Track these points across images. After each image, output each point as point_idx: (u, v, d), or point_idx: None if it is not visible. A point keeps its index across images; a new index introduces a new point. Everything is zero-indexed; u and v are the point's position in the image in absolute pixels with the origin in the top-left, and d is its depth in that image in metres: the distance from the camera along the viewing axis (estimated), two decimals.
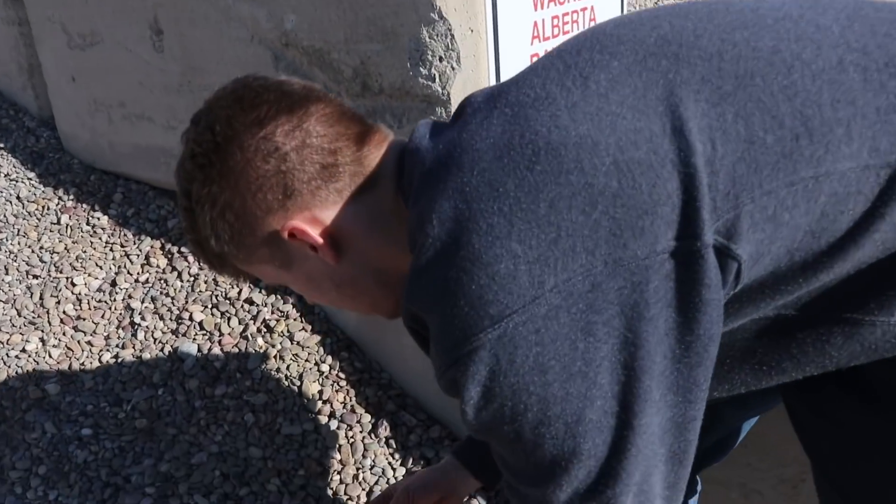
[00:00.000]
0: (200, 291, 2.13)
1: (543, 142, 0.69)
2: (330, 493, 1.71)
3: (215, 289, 2.13)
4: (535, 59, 1.71)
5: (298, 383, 1.91)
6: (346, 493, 1.71)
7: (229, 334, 2.04)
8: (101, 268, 2.25)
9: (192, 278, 2.17)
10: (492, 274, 0.67)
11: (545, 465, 0.72)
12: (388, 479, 1.75)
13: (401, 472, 1.76)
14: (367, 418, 1.85)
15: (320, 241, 0.87)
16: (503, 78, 1.63)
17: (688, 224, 0.67)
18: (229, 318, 2.08)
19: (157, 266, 2.26)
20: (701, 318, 0.68)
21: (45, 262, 2.27)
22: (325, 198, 0.86)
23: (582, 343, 0.67)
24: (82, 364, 2.01)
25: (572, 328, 0.66)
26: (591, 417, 0.68)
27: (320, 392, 1.89)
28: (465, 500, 1.44)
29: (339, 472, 1.75)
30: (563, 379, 0.67)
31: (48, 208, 2.47)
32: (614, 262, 0.66)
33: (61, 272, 2.23)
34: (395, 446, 1.81)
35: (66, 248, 2.31)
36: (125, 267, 2.25)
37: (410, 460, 1.78)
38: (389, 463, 1.78)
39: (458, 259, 0.68)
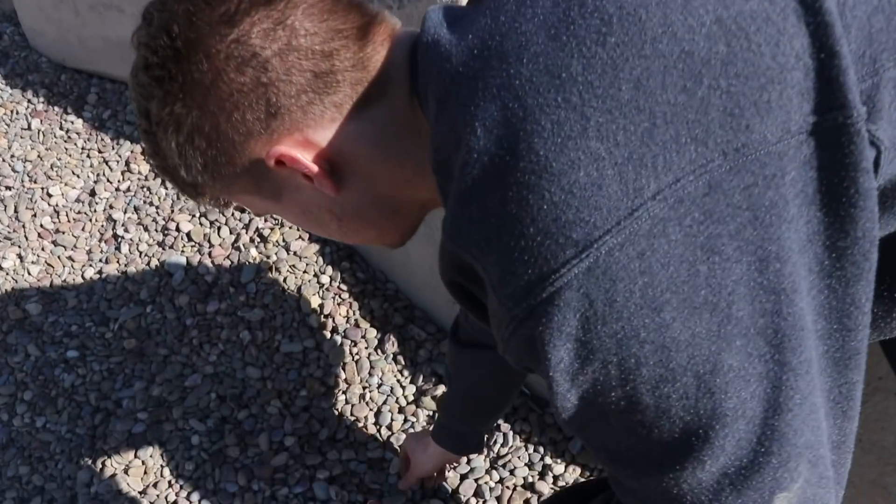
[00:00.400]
0: (186, 200, 1.96)
1: (614, 6, 0.51)
2: (335, 414, 1.59)
3: None
4: None
5: (297, 297, 1.77)
6: (352, 414, 1.59)
7: (220, 245, 1.88)
8: (78, 176, 2.07)
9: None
10: (568, 186, 0.49)
11: (675, 438, 0.53)
12: (397, 399, 1.62)
13: (410, 389, 1.64)
14: (372, 333, 1.71)
15: (315, 168, 0.66)
16: None
17: (829, 92, 0.49)
18: (219, 228, 1.91)
19: (139, 173, 2.08)
20: (857, 214, 0.50)
21: (17, 172, 2.09)
22: (319, 114, 0.66)
23: (704, 265, 0.49)
24: (64, 281, 1.86)
25: (689, 246, 0.49)
26: (731, 364, 0.51)
27: (321, 306, 1.75)
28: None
29: (344, 392, 1.63)
30: (686, 316, 0.50)
31: (17, 112, 2.26)
32: (736, 152, 0.49)
33: (35, 182, 2.05)
34: (403, 362, 1.67)
35: (39, 156, 2.13)
36: (104, 175, 2.07)
37: (421, 377, 1.65)
38: (398, 381, 1.65)
39: (517, 174, 0.51)
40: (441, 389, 1.62)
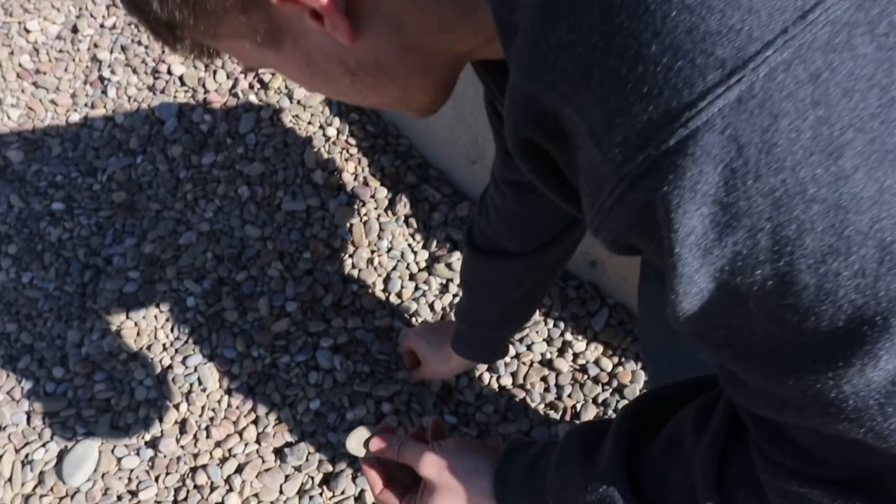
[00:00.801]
0: (163, 46, 1.76)
1: None
2: (340, 278, 1.47)
3: None
4: None
5: (301, 150, 1.61)
6: (359, 280, 1.47)
7: (216, 91, 1.71)
8: (58, 10, 1.87)
9: None
10: None
11: (839, 328, 0.39)
12: (408, 265, 1.50)
13: (423, 255, 1.51)
14: (382, 192, 1.57)
15: (325, 1, 0.47)
16: None
17: None
18: (215, 72, 1.73)
19: None
20: None
21: None
22: None
23: None
24: (47, 127, 1.70)
25: (882, 64, 0.33)
26: None
27: (327, 161, 1.60)
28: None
29: (350, 256, 1.50)
30: (873, 164, 0.34)
31: None
32: None
33: (11, 16, 1.85)
34: (415, 225, 1.54)
35: None
36: (87, 8, 1.87)
37: (434, 242, 1.51)
38: (409, 245, 1.52)
39: None
40: (456, 256, 1.49)
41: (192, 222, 1.54)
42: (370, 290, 1.47)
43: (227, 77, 1.72)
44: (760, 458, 0.49)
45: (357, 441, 0.85)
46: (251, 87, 1.70)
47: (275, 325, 1.42)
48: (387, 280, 1.48)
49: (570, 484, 0.62)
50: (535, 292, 1.08)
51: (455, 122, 1.49)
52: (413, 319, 1.45)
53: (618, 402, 1.37)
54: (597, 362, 1.41)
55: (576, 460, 0.62)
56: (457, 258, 1.49)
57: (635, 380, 1.39)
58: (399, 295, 1.47)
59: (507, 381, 1.39)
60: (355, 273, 1.48)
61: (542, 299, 1.15)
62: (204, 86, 1.71)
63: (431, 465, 0.76)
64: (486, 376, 1.39)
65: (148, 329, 1.43)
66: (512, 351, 1.41)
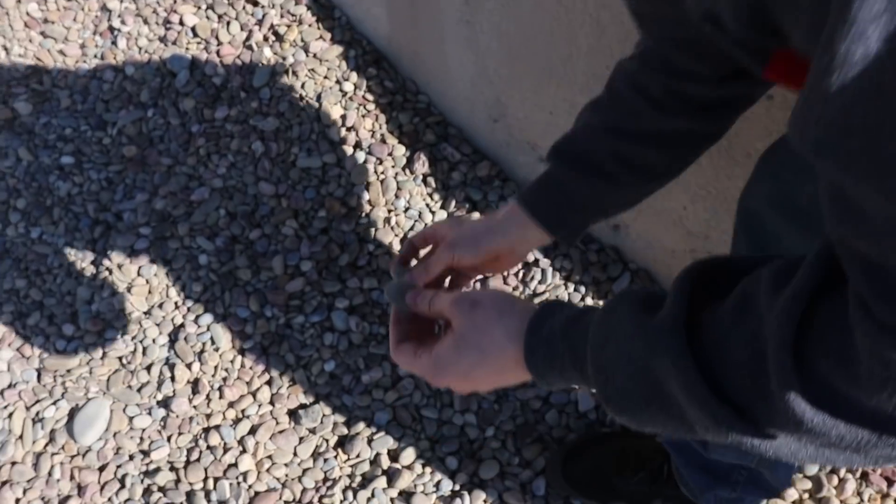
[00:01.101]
0: None
1: None
2: (356, 238, 1.44)
3: None
4: None
5: (316, 105, 1.56)
6: (375, 239, 1.44)
7: (230, 43, 1.65)
8: None
9: None
10: None
11: None
12: (426, 224, 1.46)
13: (441, 215, 1.47)
14: (400, 150, 1.52)
15: None
16: None
17: None
18: (228, 23, 1.68)
19: None
20: None
21: None
22: None
23: None
24: (55, 79, 1.66)
25: None
26: None
27: (343, 117, 1.55)
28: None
29: (367, 214, 1.46)
30: None
31: None
32: None
33: None
34: (434, 185, 1.49)
35: None
36: None
37: (453, 203, 1.47)
38: (427, 205, 1.48)
39: None
40: (476, 215, 1.45)
41: (205, 178, 1.50)
42: (387, 251, 1.43)
43: (241, 29, 1.66)
44: (866, 321, 0.40)
45: (397, 290, 0.74)
46: (265, 39, 1.65)
47: (289, 285, 1.38)
48: (403, 240, 1.44)
49: (615, 333, 0.53)
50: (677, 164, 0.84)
51: (477, 78, 1.44)
52: None
53: None
54: None
55: (628, 308, 0.54)
56: (476, 218, 1.45)
57: None
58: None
59: None
60: (372, 232, 1.44)
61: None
62: (217, 37, 1.65)
63: (458, 309, 0.65)
64: None
65: (160, 287, 1.40)
66: None
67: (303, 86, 1.58)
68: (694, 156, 0.83)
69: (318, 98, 1.56)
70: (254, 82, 1.59)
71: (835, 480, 1.21)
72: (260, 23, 1.66)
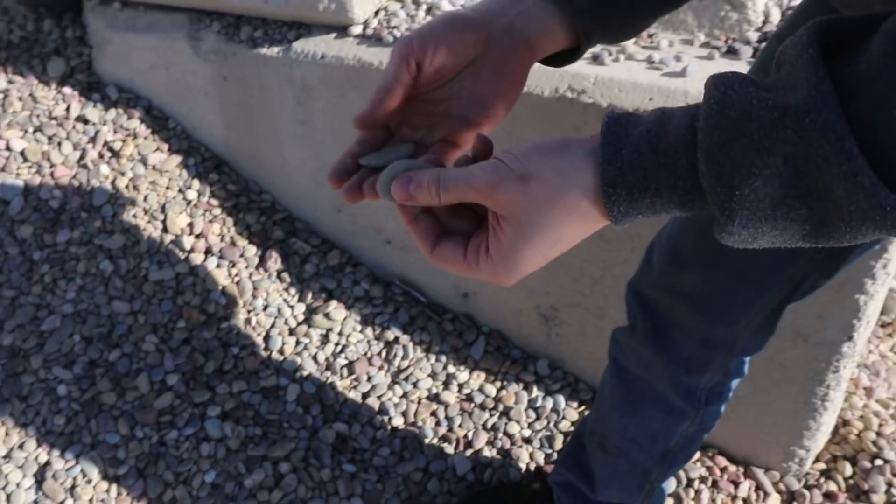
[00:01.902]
0: (15, 112, 1.68)
1: None
2: (219, 343, 1.46)
3: (34, 107, 1.69)
4: None
5: (162, 217, 1.58)
6: (238, 342, 1.47)
7: (63, 164, 1.64)
8: None
9: (0, 95, 1.71)
10: None
11: None
12: (286, 320, 1.50)
13: (299, 308, 1.52)
14: (251, 251, 1.56)
15: None
16: None
17: None
18: (60, 144, 1.67)
19: None
20: None
21: None
22: None
23: None
24: None
25: None
26: None
27: (190, 225, 1.57)
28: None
29: (226, 318, 1.49)
30: None
31: None
32: None
33: None
34: (288, 280, 1.55)
35: None
36: None
37: (309, 294, 1.53)
38: (285, 300, 1.53)
39: None
40: (332, 306, 1.51)
41: (54, 305, 1.48)
42: (251, 351, 1.46)
43: (74, 148, 1.66)
44: None
45: (385, 183, 0.55)
46: (101, 156, 1.65)
47: (157, 401, 1.38)
48: (267, 338, 1.48)
49: (744, 128, 0.42)
50: None
51: (317, 172, 1.52)
52: (297, 374, 1.45)
53: (506, 424, 1.43)
54: (481, 389, 1.47)
55: (750, 93, 0.42)
56: (333, 307, 1.51)
57: (519, 401, 1.46)
58: (281, 351, 1.47)
59: (398, 422, 1.42)
60: (234, 336, 1.47)
61: None
62: (49, 160, 1.64)
63: (505, 190, 0.49)
64: (378, 420, 1.41)
65: (18, 427, 1.36)
66: (399, 391, 1.45)
67: (145, 199, 1.59)
68: None
69: (163, 209, 1.58)
70: (94, 201, 1.59)
71: (692, 493, 1.35)
72: (93, 140, 1.66)
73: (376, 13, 1.34)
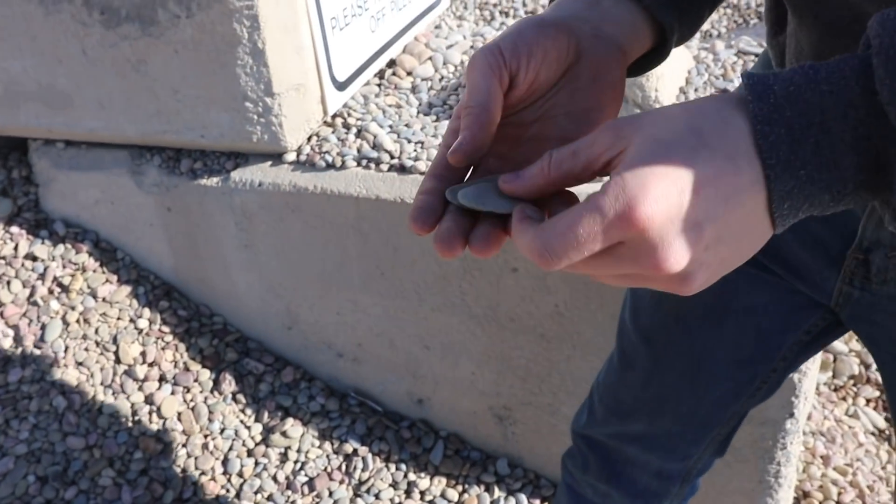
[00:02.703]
0: None
1: None
2: (178, 471, 1.46)
3: None
4: None
5: (114, 348, 1.59)
6: (197, 468, 1.46)
7: (13, 303, 1.66)
8: None
9: None
10: None
11: None
12: (244, 441, 1.51)
13: (256, 429, 1.52)
14: (205, 374, 1.58)
15: None
16: None
17: None
18: (9, 282, 1.68)
19: None
20: None
21: None
22: None
23: None
24: None
25: None
26: None
27: (143, 354, 1.59)
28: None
29: (184, 446, 1.49)
30: None
31: None
32: None
33: None
34: (244, 401, 1.56)
35: None
36: None
37: (265, 413, 1.54)
38: (242, 421, 1.53)
39: None
40: (289, 423, 1.52)
41: (7, 447, 1.47)
42: (210, 476, 1.46)
43: (24, 286, 1.68)
44: None
45: (478, 193, 0.45)
46: (51, 292, 1.67)
47: None
48: (225, 462, 1.48)
49: None
50: None
51: (265, 293, 1.55)
52: (258, 496, 1.45)
53: None
54: (443, 495, 1.48)
55: None
56: (290, 424, 1.52)
57: (481, 503, 1.46)
58: (240, 474, 1.47)
59: None
60: (192, 462, 1.47)
61: None
62: None
63: (641, 153, 0.38)
64: None
65: None
66: (361, 503, 1.45)
67: (97, 331, 1.61)
68: None
69: (115, 340, 1.60)
70: (45, 337, 1.60)
71: None
72: (42, 276, 1.68)
73: (308, 139, 1.41)
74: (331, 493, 1.46)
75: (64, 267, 1.70)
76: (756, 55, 1.55)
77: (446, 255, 0.45)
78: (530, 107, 0.52)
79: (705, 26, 3.53)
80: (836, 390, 1.72)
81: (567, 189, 0.45)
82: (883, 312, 0.67)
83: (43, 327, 1.62)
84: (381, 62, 1.54)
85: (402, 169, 1.30)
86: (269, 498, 1.45)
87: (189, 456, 1.48)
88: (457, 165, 0.48)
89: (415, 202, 0.48)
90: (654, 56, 0.58)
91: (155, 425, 1.50)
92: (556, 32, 0.50)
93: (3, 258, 1.71)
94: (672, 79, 1.38)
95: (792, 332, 0.77)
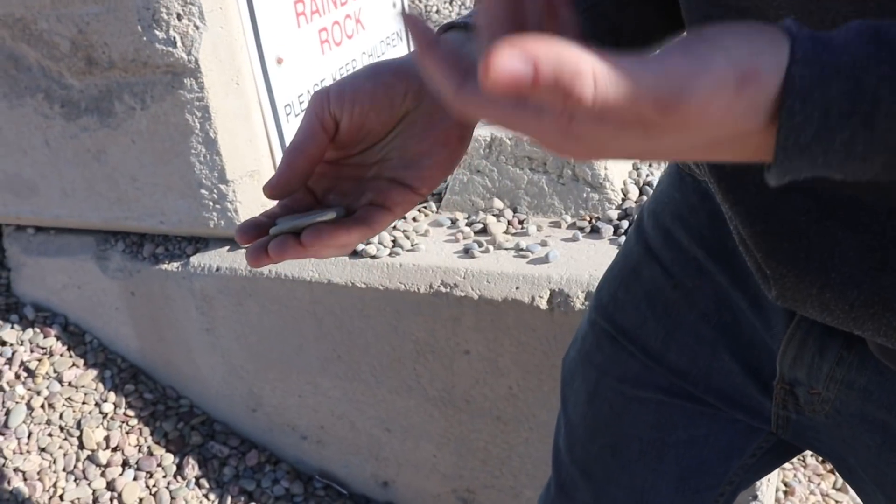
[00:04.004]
0: None
1: None
2: None
3: None
4: (299, 5, 1.41)
5: (78, 433, 1.58)
6: None
7: None
8: None
9: None
10: None
11: None
12: None
13: None
14: (169, 459, 1.56)
15: None
16: (264, 34, 1.33)
17: None
18: None
19: None
20: None
21: None
22: None
23: None
24: None
25: None
26: None
27: (107, 438, 1.58)
28: None
29: None
30: None
31: None
32: None
33: None
34: (207, 486, 1.54)
35: None
36: None
37: (229, 499, 1.52)
38: None
39: None
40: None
41: None
42: None
43: None
44: None
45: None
46: (17, 377, 1.67)
47: None
48: None
49: None
50: None
51: (228, 375, 1.55)
52: None
53: None
54: None
55: None
56: None
57: None
58: None
59: None
60: None
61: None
62: None
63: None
64: None
65: None
66: None
67: (61, 416, 1.60)
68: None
69: (79, 425, 1.59)
70: (9, 423, 1.60)
71: None
72: (9, 362, 1.69)
73: None
74: None
75: (31, 351, 1.71)
76: None
77: (251, 263, 0.49)
78: (370, 149, 0.52)
79: None
80: (822, 462, 1.68)
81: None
82: (827, 436, 0.63)
83: (7, 413, 1.61)
84: None
85: (353, 253, 1.31)
86: None
87: None
88: (270, 198, 0.50)
89: (247, 219, 0.51)
90: None
91: None
92: (392, 79, 0.50)
93: None
94: None
95: (736, 457, 0.73)
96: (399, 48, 1.84)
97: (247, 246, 0.50)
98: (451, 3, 2.58)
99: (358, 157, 0.53)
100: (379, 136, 0.52)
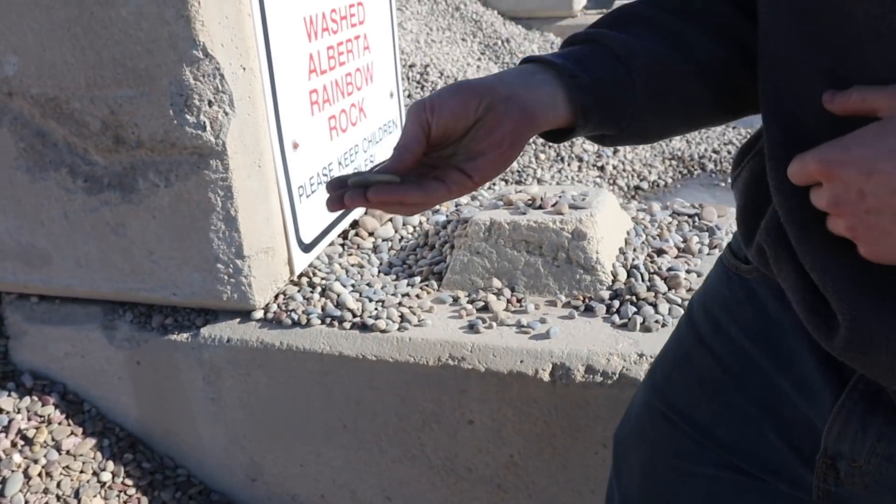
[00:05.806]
0: None
1: None
2: None
3: None
4: (314, 94, 1.52)
5: (76, 502, 1.59)
6: None
7: None
8: None
9: None
10: None
11: None
12: None
13: None
14: None
15: None
16: (284, 120, 1.43)
17: None
18: None
19: None
20: None
21: None
22: None
23: None
24: None
25: None
26: None
27: None
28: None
29: None
30: None
31: None
32: None
33: None
34: None
35: None
36: None
37: None
38: None
39: None
40: None
41: None
42: None
43: None
44: None
45: None
46: (14, 445, 1.68)
47: None
48: None
49: None
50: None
51: (230, 445, 1.58)
52: None
53: None
54: None
55: None
56: None
57: None
58: None
59: None
60: None
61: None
62: None
63: None
64: None
65: None
66: None
67: (59, 485, 1.61)
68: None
69: (77, 494, 1.60)
70: (6, 492, 1.60)
71: None
72: (6, 429, 1.70)
73: (275, 298, 1.49)
74: None
75: (29, 419, 1.72)
76: (689, 216, 1.70)
77: (329, 208, 0.67)
78: (447, 147, 0.69)
79: (660, 166, 3.73)
80: None
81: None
82: None
83: (3, 481, 1.62)
84: (344, 224, 1.66)
85: (363, 327, 1.39)
86: None
87: None
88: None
89: (339, 176, 0.68)
90: (572, 130, 0.70)
91: None
92: (468, 95, 0.66)
93: None
94: (612, 240, 1.51)
95: None
96: (394, 133, 1.96)
97: (330, 194, 0.67)
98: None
99: (437, 153, 0.69)
100: (456, 138, 0.68)
